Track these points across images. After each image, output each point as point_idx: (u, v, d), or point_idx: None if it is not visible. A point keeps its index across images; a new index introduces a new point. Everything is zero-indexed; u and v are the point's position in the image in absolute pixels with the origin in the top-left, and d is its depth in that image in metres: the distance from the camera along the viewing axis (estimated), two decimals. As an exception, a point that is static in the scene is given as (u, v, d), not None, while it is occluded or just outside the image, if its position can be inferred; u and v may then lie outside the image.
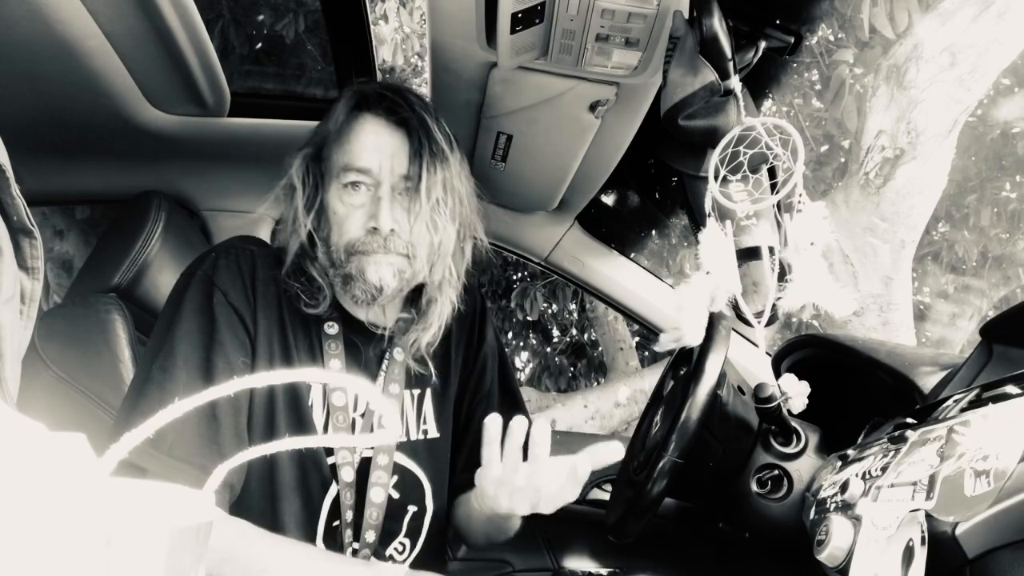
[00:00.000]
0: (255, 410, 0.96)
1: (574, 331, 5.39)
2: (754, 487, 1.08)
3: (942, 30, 2.67)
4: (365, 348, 1.04)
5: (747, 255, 1.01)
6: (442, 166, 0.97)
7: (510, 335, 5.31)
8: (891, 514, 0.73)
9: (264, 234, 1.60)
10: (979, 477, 0.65)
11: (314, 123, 1.47)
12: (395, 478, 1.04)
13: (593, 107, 1.19)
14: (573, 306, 5.21)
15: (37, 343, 1.17)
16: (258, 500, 0.96)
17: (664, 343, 1.08)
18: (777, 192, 0.98)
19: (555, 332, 5.42)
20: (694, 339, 1.04)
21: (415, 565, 1.07)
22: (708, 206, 1.00)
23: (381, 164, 0.96)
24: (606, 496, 1.71)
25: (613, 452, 0.92)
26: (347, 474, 0.99)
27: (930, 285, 4.56)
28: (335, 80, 1.52)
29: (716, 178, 0.98)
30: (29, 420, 0.33)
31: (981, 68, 2.64)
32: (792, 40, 1.07)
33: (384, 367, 1.05)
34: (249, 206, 1.60)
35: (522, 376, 5.37)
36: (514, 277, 4.99)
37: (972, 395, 0.82)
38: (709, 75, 0.96)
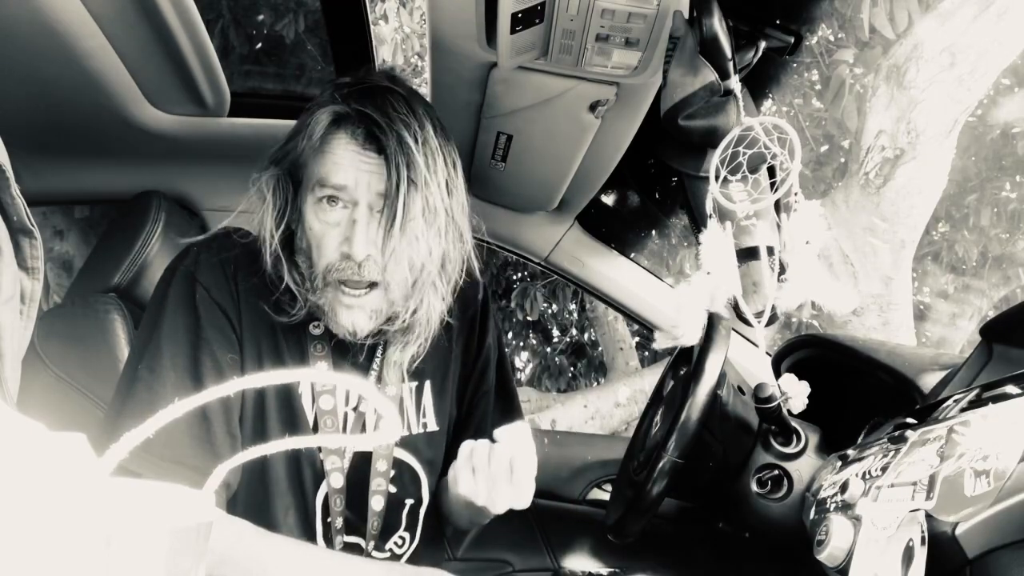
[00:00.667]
0: (246, 410, 0.95)
1: (574, 331, 5.39)
2: (754, 487, 1.08)
3: (942, 30, 2.67)
4: (353, 348, 1.01)
5: (747, 255, 1.01)
6: (422, 189, 0.91)
7: (510, 335, 5.31)
8: (891, 514, 0.73)
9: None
10: (979, 477, 0.65)
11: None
12: (392, 472, 1.03)
13: (593, 107, 1.19)
14: (573, 306, 5.21)
15: (37, 343, 1.17)
16: (252, 498, 0.96)
17: (660, 341, 1.09)
18: (776, 191, 0.98)
19: (555, 332, 5.42)
20: (691, 339, 1.04)
21: (413, 558, 1.08)
22: (709, 207, 1.00)
23: (358, 181, 0.90)
24: (606, 496, 1.71)
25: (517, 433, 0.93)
26: (336, 480, 0.98)
27: (930, 285, 4.56)
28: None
29: (717, 179, 0.98)
30: (29, 420, 0.33)
31: (981, 68, 2.64)
32: (792, 40, 1.07)
33: (375, 365, 1.04)
34: (249, 206, 1.59)
35: (522, 376, 5.37)
36: (514, 277, 4.99)
37: (972, 395, 0.82)
38: (709, 75, 0.96)
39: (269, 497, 0.96)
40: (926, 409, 0.90)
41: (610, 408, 3.80)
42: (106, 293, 1.25)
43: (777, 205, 1.01)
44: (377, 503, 1.00)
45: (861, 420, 1.13)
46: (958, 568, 0.65)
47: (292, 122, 1.47)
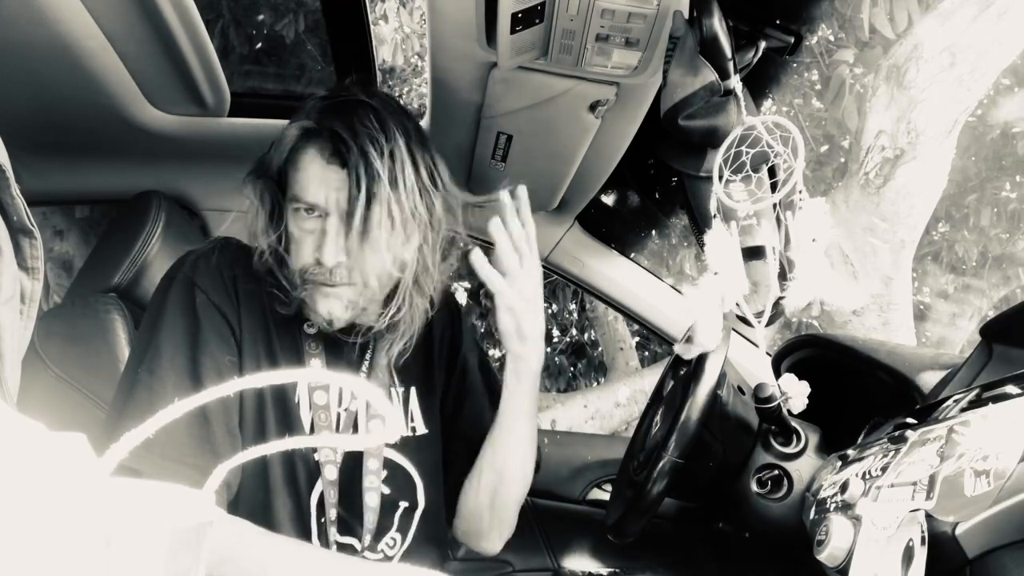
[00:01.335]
0: (245, 410, 0.96)
1: (574, 331, 5.39)
2: (754, 487, 1.08)
3: (942, 30, 2.67)
4: (345, 346, 1.05)
5: (748, 255, 1.01)
6: (387, 196, 0.94)
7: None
8: (891, 514, 0.73)
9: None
10: (979, 477, 0.65)
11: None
12: (385, 473, 1.04)
13: (593, 107, 1.19)
14: (573, 306, 5.21)
15: (37, 343, 1.17)
16: (251, 498, 0.97)
17: (684, 351, 1.08)
18: (778, 190, 0.98)
19: (555, 332, 5.42)
20: (711, 343, 1.03)
21: (404, 559, 1.08)
22: (713, 207, 1.00)
23: (327, 197, 0.95)
24: (606, 496, 1.71)
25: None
26: (330, 472, 0.99)
27: (930, 285, 4.56)
28: (335, 80, 1.52)
29: (720, 179, 0.98)
30: (29, 420, 0.33)
31: (981, 68, 2.64)
32: (792, 40, 1.07)
33: (364, 367, 1.07)
34: (244, 208, 1.60)
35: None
36: (514, 277, 4.98)
37: (972, 395, 0.82)
38: (709, 75, 0.96)
39: (268, 496, 0.97)
40: (926, 409, 0.90)
41: (610, 408, 3.80)
42: (106, 293, 1.25)
43: (780, 203, 1.01)
44: (372, 499, 1.01)
45: (861, 420, 1.13)
46: (958, 568, 0.65)
47: (292, 122, 1.48)
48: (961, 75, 2.65)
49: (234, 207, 1.61)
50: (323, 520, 0.99)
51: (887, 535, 0.72)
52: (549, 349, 5.31)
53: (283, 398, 0.99)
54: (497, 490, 1.12)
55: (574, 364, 5.35)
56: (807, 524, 0.98)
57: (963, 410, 0.79)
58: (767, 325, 1.02)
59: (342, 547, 1.01)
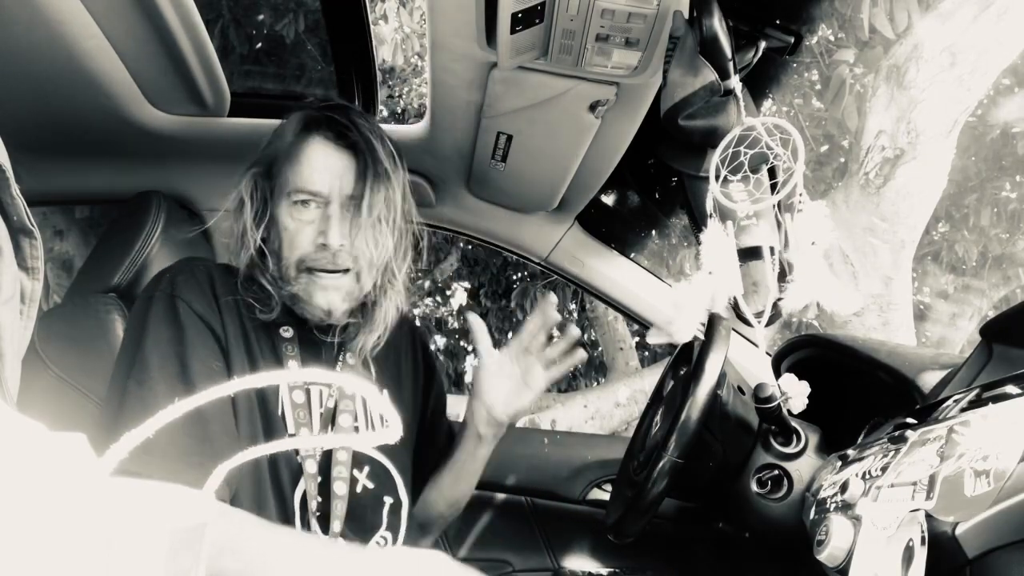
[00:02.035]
0: (239, 413, 0.97)
1: (574, 331, 5.38)
2: (754, 487, 1.08)
3: (942, 30, 2.67)
4: (319, 349, 1.09)
5: (747, 255, 1.01)
6: (385, 185, 1.03)
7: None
8: (891, 514, 0.73)
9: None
10: (979, 477, 0.65)
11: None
12: (367, 468, 1.07)
13: (593, 107, 1.19)
14: (573, 306, 5.21)
15: (37, 343, 1.17)
16: (242, 500, 0.97)
17: (653, 337, 1.11)
18: (777, 192, 0.98)
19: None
20: (683, 337, 1.04)
21: None
22: (709, 206, 1.00)
23: (331, 185, 1.01)
24: (606, 496, 1.71)
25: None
26: (311, 466, 1.02)
27: (930, 285, 4.57)
28: (335, 80, 1.52)
29: (717, 179, 0.98)
30: (29, 420, 0.33)
31: (981, 68, 2.64)
32: (792, 40, 1.07)
33: (339, 368, 1.11)
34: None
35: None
36: (514, 277, 4.99)
37: (972, 395, 0.82)
38: (709, 75, 0.96)
39: (259, 497, 0.98)
40: (926, 409, 0.90)
41: (610, 408, 3.80)
42: (106, 293, 1.25)
43: (780, 205, 1.01)
44: (340, 488, 1.03)
45: (861, 420, 1.13)
46: (958, 568, 0.65)
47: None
48: (961, 75, 2.65)
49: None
50: (306, 517, 1.00)
51: (887, 535, 0.72)
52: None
53: (265, 400, 1.01)
54: (458, 501, 1.26)
55: (574, 364, 5.34)
56: (807, 524, 0.98)
57: (963, 410, 0.79)
58: (767, 325, 1.02)
59: None
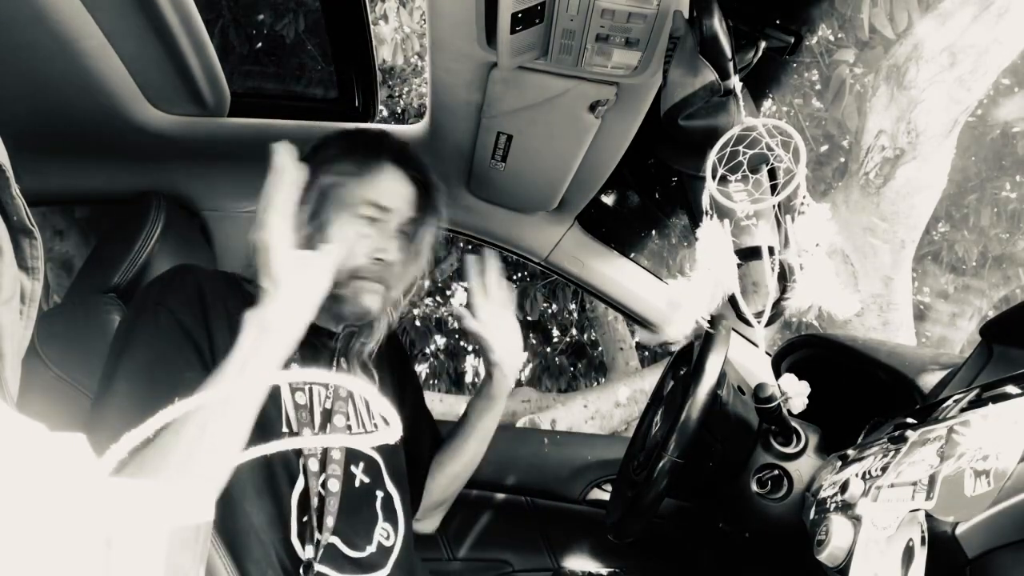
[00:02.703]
0: None
1: (574, 331, 5.39)
2: (754, 487, 1.08)
3: (942, 30, 2.66)
4: (318, 353, 1.14)
5: (747, 255, 1.01)
6: (436, 221, 1.19)
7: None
8: (891, 514, 0.73)
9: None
10: (979, 477, 0.65)
11: (314, 123, 1.48)
12: (362, 464, 1.11)
13: (593, 107, 1.19)
14: (573, 306, 5.21)
15: (37, 343, 1.17)
16: (237, 499, 0.97)
17: (643, 338, 1.12)
18: (778, 193, 0.98)
19: (555, 332, 5.41)
20: (675, 336, 1.04)
21: (402, 554, 1.11)
22: (706, 204, 1.00)
23: (400, 208, 1.14)
24: (606, 496, 1.71)
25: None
26: (313, 464, 1.03)
27: (930, 285, 4.56)
28: (335, 80, 1.52)
29: (713, 177, 0.98)
30: (29, 420, 0.33)
31: (981, 68, 2.64)
32: (792, 40, 1.07)
33: (334, 370, 1.14)
34: (249, 206, 1.60)
35: (522, 376, 5.37)
36: (514, 277, 4.99)
37: (972, 395, 0.82)
38: (709, 75, 0.96)
39: (247, 499, 0.98)
40: (926, 409, 0.90)
41: (610, 408, 3.80)
42: (106, 293, 1.25)
43: (781, 207, 1.00)
44: (333, 485, 1.05)
45: (861, 420, 1.13)
46: (958, 568, 0.65)
47: (292, 122, 1.48)
48: (961, 75, 2.65)
49: (234, 207, 1.61)
50: (307, 513, 1.00)
51: (887, 535, 0.72)
52: (549, 349, 5.31)
53: (273, 399, 1.02)
54: (459, 477, 1.34)
55: (574, 364, 5.35)
56: (807, 524, 0.98)
57: (963, 410, 0.79)
58: (767, 325, 1.02)
59: (328, 548, 1.01)
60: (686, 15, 0.97)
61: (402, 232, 1.16)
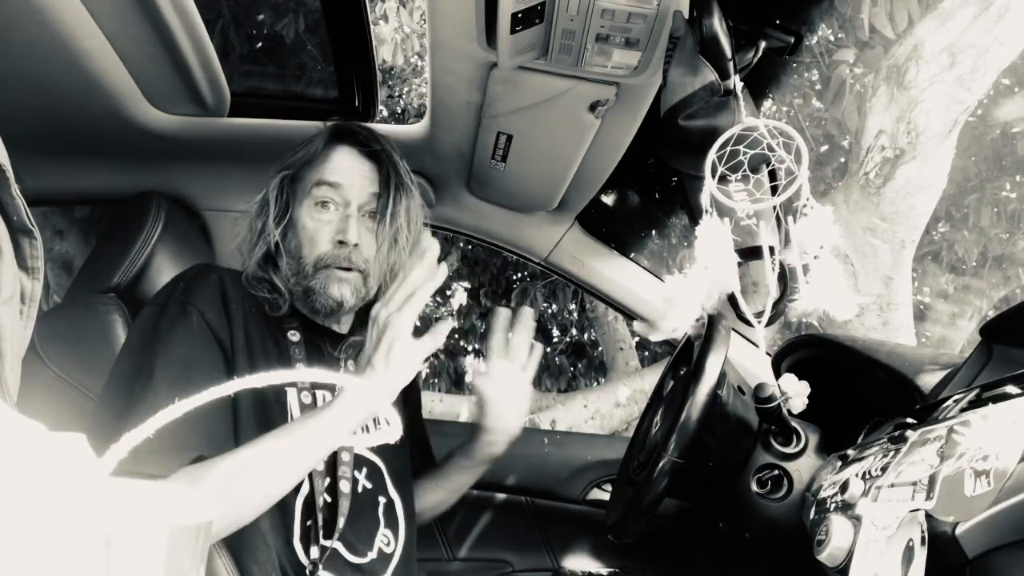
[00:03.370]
0: (243, 412, 0.98)
1: (574, 331, 5.39)
2: (754, 487, 1.08)
3: (942, 30, 2.66)
4: (324, 353, 1.13)
5: (747, 255, 1.01)
6: (406, 196, 1.11)
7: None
8: (891, 514, 0.73)
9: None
10: (979, 477, 0.65)
11: (314, 123, 1.48)
12: (365, 469, 1.10)
13: (593, 107, 1.19)
14: (573, 306, 5.21)
15: (37, 343, 1.16)
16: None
17: (639, 329, 1.12)
18: (779, 194, 0.97)
19: (555, 332, 5.42)
20: (669, 331, 1.04)
21: (402, 560, 1.11)
22: (705, 202, 1.00)
23: (352, 183, 1.09)
24: (606, 496, 1.71)
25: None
26: (319, 465, 1.03)
27: (930, 285, 4.56)
28: (335, 80, 1.52)
29: (713, 176, 0.98)
30: (29, 420, 0.33)
31: (981, 68, 2.64)
32: (792, 40, 1.07)
33: (340, 371, 1.13)
34: (249, 206, 1.60)
35: (522, 376, 5.35)
36: (514, 277, 4.99)
37: (972, 395, 0.82)
38: (709, 75, 0.96)
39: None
40: (926, 409, 0.90)
41: (610, 408, 3.80)
42: (106, 293, 1.25)
43: (782, 208, 1.00)
44: (344, 486, 1.05)
45: (861, 420, 1.13)
46: (958, 568, 0.65)
47: (292, 122, 1.49)
48: (961, 75, 2.65)
49: (234, 207, 1.61)
50: (308, 523, 1.00)
51: (887, 535, 0.72)
52: (549, 349, 5.31)
53: (276, 401, 1.03)
54: (444, 502, 1.30)
55: (574, 364, 5.35)
56: (807, 524, 0.98)
57: (963, 410, 0.79)
58: (767, 325, 1.02)
59: (331, 554, 1.01)
60: (686, 15, 0.97)
61: (368, 212, 1.10)
